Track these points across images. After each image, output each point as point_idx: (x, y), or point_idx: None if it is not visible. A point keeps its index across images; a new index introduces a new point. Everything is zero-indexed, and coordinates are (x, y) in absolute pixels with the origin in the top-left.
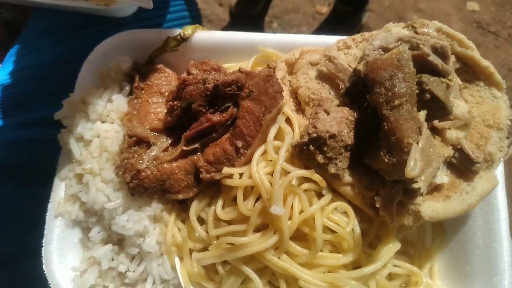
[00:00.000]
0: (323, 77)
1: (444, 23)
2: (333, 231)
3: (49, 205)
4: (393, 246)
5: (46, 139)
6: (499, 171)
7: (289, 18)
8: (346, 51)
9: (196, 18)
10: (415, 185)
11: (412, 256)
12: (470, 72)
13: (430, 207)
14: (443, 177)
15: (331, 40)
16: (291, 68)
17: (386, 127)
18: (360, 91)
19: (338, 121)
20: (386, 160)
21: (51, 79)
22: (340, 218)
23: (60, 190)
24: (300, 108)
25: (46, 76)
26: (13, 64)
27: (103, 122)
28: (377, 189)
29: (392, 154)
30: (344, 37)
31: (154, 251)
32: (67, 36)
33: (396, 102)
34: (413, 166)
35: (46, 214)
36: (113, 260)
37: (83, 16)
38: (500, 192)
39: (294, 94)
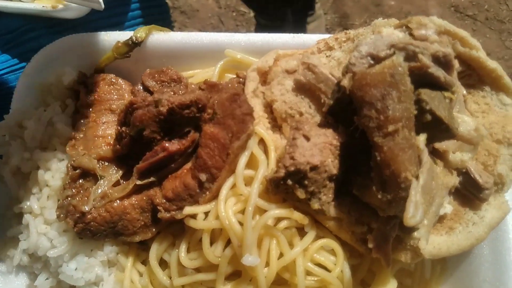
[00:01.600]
0: (301, 88)
1: (421, 8)
2: (316, 275)
3: None
4: (390, 285)
5: None
6: (511, 194)
7: None
8: (328, 53)
9: (164, 13)
10: (416, 234)
11: (410, 287)
12: (474, 75)
13: (431, 243)
14: (446, 205)
15: (310, 40)
16: (265, 77)
17: (378, 158)
18: (346, 110)
19: (320, 147)
20: (379, 196)
21: None
22: (326, 259)
23: None
24: (276, 124)
25: None
26: None
27: (43, 149)
28: (369, 222)
29: (386, 190)
30: (326, 36)
31: None
32: (15, 40)
33: (390, 128)
34: (414, 212)
35: None
36: None
37: (32, 18)
38: (511, 219)
39: (269, 108)
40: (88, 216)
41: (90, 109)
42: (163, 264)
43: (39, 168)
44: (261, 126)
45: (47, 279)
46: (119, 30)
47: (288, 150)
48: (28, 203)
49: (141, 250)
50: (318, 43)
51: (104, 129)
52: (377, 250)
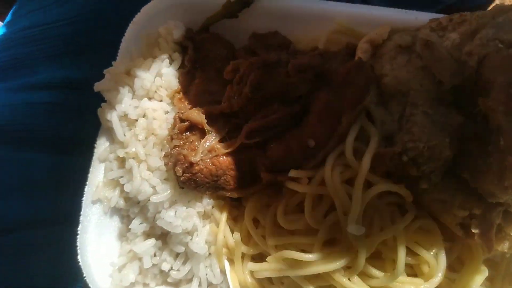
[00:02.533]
0: (415, 65)
1: None
2: (414, 252)
3: (86, 189)
4: (481, 274)
5: (47, 103)
6: None
7: None
8: (441, 33)
9: None
10: None
11: (494, 279)
12: None
13: None
14: None
15: (424, 17)
16: (375, 50)
17: (502, 143)
18: (469, 91)
19: (439, 127)
20: (495, 182)
21: (57, 40)
22: (423, 238)
23: (98, 173)
24: (382, 99)
25: (51, 37)
26: (15, 24)
27: (150, 99)
28: (471, 208)
29: (505, 176)
30: (439, 16)
31: (202, 251)
32: None
33: None
34: None
35: (82, 199)
36: (155, 256)
37: None
38: None
39: (377, 82)
40: (196, 167)
41: (197, 65)
42: (255, 223)
43: (146, 116)
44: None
45: (141, 223)
46: None
47: (408, 125)
48: (133, 149)
49: (234, 207)
50: (430, 21)
51: (211, 86)
52: (481, 236)
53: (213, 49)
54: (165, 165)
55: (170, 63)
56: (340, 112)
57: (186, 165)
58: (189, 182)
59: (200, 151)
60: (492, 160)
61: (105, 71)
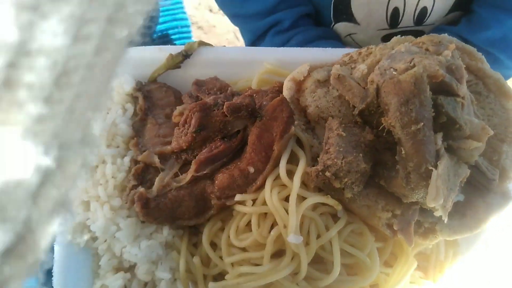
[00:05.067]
0: (332, 95)
1: None
2: (350, 254)
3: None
4: (411, 265)
5: None
6: None
7: None
8: (353, 65)
9: (186, 26)
10: (436, 213)
11: (426, 268)
12: (480, 84)
13: (446, 226)
14: (459, 195)
15: (338, 53)
16: (299, 86)
17: (403, 152)
18: (374, 113)
19: (353, 145)
20: (404, 185)
21: None
22: (356, 240)
23: (67, 217)
24: (309, 126)
25: None
26: None
27: (108, 147)
28: (393, 209)
29: (410, 180)
30: (350, 50)
31: (168, 277)
32: None
33: (413, 128)
34: (435, 195)
35: (54, 243)
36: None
37: None
38: None
39: (304, 112)
40: (153, 203)
41: (147, 113)
42: (212, 246)
43: (105, 162)
44: (297, 128)
45: (109, 259)
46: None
47: (326, 147)
48: (96, 192)
49: (192, 234)
50: (343, 56)
51: (161, 130)
52: (401, 232)
53: (161, 97)
54: (125, 203)
55: (123, 113)
56: (272, 141)
57: (144, 201)
58: (148, 216)
59: (156, 188)
60: (399, 167)
61: None
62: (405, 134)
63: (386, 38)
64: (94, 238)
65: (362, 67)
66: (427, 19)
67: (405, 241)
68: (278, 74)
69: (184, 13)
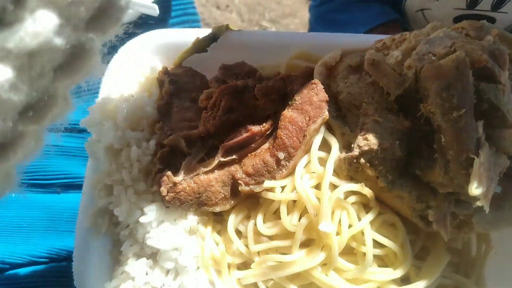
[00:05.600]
0: (365, 81)
1: None
2: (381, 245)
3: (78, 217)
4: (443, 259)
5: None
6: None
7: (286, 23)
8: (385, 52)
9: (194, 22)
10: (477, 203)
11: (458, 264)
12: None
13: (482, 218)
14: (496, 186)
15: (371, 39)
16: (331, 71)
17: (443, 140)
18: (412, 99)
19: (389, 131)
20: (442, 174)
21: None
22: (388, 231)
23: (89, 202)
24: (340, 113)
25: None
26: None
27: (133, 130)
28: (427, 200)
29: (450, 168)
30: (383, 37)
31: (191, 265)
32: None
33: (455, 114)
34: (478, 184)
35: (75, 227)
36: (147, 274)
37: None
38: None
39: (334, 99)
40: (179, 186)
41: (173, 97)
42: (237, 234)
43: (130, 145)
44: (329, 114)
45: (131, 245)
46: None
47: (362, 133)
48: (120, 176)
49: (216, 222)
50: (376, 42)
51: (187, 114)
52: (437, 224)
53: (187, 81)
54: (151, 186)
55: (149, 96)
56: (303, 126)
57: (170, 185)
58: (173, 201)
59: (182, 172)
60: (437, 156)
61: (88, 108)
62: (446, 121)
63: (458, 19)
64: (115, 224)
65: (396, 54)
66: (504, 6)
67: (438, 234)
68: (308, 59)
69: (194, 8)
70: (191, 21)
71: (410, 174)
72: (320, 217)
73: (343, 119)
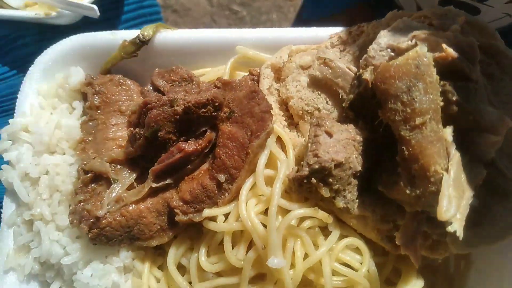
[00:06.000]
0: (317, 84)
1: None
2: (343, 275)
3: None
4: (416, 284)
5: None
6: None
7: (258, 6)
8: (342, 47)
9: (155, 13)
10: (450, 228)
11: (434, 283)
12: (493, 65)
13: (458, 238)
14: (473, 199)
15: (323, 33)
16: (279, 73)
17: (406, 152)
18: (368, 104)
19: (343, 144)
20: (407, 191)
21: None
22: (352, 258)
23: (8, 240)
24: (292, 122)
25: None
26: None
27: (52, 154)
28: (394, 219)
29: (415, 185)
30: (338, 30)
31: None
32: (3, 48)
33: (418, 121)
34: (448, 206)
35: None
36: None
37: (21, 26)
38: None
39: (284, 105)
40: (103, 221)
41: (99, 111)
42: (181, 269)
43: (48, 173)
44: (278, 124)
45: (60, 287)
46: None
47: (311, 148)
48: (38, 210)
49: (157, 255)
50: (331, 37)
51: (115, 131)
52: (405, 247)
53: (116, 92)
54: (70, 223)
55: (71, 113)
56: (245, 143)
57: (92, 220)
58: (99, 238)
59: (106, 203)
60: (401, 170)
61: (0, 131)
62: (408, 130)
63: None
64: (41, 263)
65: (353, 49)
66: None
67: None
68: (254, 59)
69: None
70: (149, 14)
71: (372, 190)
72: (268, 251)
73: (296, 128)
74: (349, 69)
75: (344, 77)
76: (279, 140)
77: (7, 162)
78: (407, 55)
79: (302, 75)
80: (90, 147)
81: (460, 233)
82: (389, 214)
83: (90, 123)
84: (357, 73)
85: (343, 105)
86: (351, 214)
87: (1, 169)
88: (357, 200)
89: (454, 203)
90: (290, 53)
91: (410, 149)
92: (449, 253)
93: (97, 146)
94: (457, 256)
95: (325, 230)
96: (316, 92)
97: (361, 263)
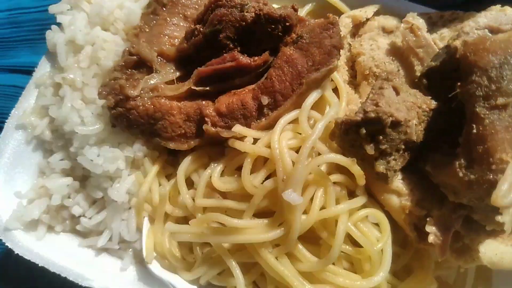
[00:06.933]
0: (395, 49)
1: None
2: (357, 244)
3: (12, 112)
4: (428, 286)
5: (14, 86)
6: None
7: None
8: (429, 27)
9: None
10: (499, 218)
11: None
12: None
13: (493, 250)
14: None
15: (416, 9)
16: (357, 28)
17: (475, 131)
18: (447, 76)
19: (408, 106)
20: (460, 174)
21: (32, 25)
22: (370, 230)
23: (30, 97)
24: (354, 81)
25: (26, 21)
26: None
27: (104, 29)
28: (430, 208)
29: (473, 169)
30: (431, 11)
31: (121, 202)
32: None
33: (500, 101)
34: (506, 192)
35: (6, 121)
36: (69, 198)
37: None
38: None
39: (351, 62)
40: (131, 102)
41: (164, 9)
42: (189, 184)
43: (94, 45)
44: (339, 74)
45: (62, 159)
46: None
47: (373, 97)
48: (71, 75)
49: (168, 163)
50: (421, 15)
51: (172, 30)
52: (435, 237)
53: None
54: (98, 94)
55: (136, 2)
56: (303, 72)
57: (121, 97)
58: (120, 118)
59: (140, 86)
60: (460, 151)
61: None
62: (485, 108)
63: None
64: (53, 131)
65: (441, 30)
66: None
67: (429, 254)
68: (335, 9)
69: None
70: None
71: (418, 169)
72: (288, 183)
73: (356, 88)
74: (435, 43)
75: (427, 49)
76: (335, 92)
77: (59, 25)
78: (510, 33)
79: (381, 36)
80: (144, 36)
81: (509, 228)
82: (427, 200)
83: (151, 16)
84: (447, 43)
85: (419, 71)
86: (386, 186)
87: (50, 28)
88: (399, 173)
89: None
90: (376, 12)
91: (481, 128)
92: (476, 262)
93: (151, 37)
94: (476, 279)
95: (350, 195)
96: (391, 57)
97: (378, 240)
